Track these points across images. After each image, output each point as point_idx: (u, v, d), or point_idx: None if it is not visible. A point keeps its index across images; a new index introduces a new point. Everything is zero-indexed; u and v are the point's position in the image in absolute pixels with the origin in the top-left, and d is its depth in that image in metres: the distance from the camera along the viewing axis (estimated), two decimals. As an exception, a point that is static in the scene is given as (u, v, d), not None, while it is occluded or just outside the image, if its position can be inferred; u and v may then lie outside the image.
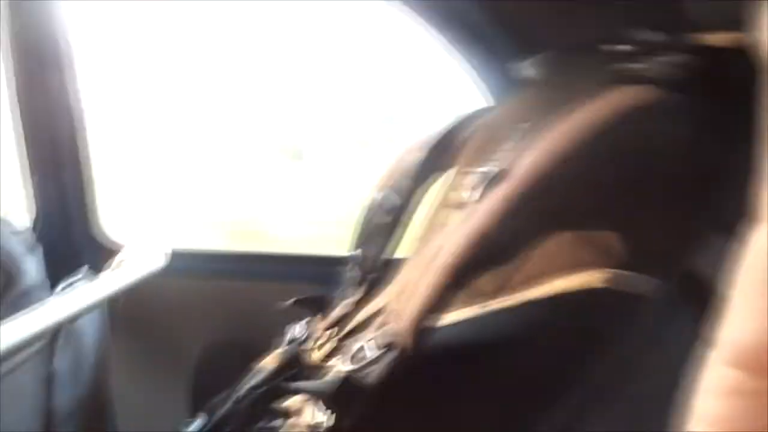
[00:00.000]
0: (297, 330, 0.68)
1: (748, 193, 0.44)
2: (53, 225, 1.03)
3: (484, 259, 0.39)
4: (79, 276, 0.86)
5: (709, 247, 0.40)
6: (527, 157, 0.40)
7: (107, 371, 0.93)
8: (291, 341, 0.67)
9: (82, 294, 0.79)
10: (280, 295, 0.73)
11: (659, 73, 0.40)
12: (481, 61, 0.75)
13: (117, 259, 0.92)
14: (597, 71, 0.44)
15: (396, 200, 0.61)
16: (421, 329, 0.40)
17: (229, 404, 0.65)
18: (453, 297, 0.40)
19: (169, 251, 0.93)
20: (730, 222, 0.40)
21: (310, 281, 0.79)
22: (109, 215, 1.08)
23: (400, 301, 0.43)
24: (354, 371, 0.43)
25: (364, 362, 0.43)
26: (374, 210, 0.64)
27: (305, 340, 0.65)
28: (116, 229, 1.07)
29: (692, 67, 0.41)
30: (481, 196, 0.42)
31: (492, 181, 0.42)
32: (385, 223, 0.62)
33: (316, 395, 0.44)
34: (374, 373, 0.41)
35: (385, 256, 0.62)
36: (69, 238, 1.04)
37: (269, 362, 0.66)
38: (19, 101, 0.97)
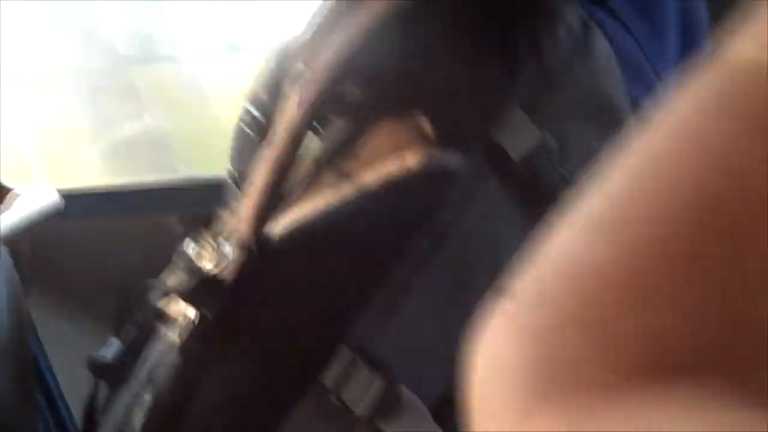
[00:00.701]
0: (189, 247, 0.73)
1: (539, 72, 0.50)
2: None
3: (296, 155, 0.44)
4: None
5: (508, 121, 0.45)
6: (327, 55, 0.44)
7: (22, 313, 0.95)
8: (182, 257, 0.72)
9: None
10: (178, 222, 0.77)
11: None
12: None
13: (7, 200, 0.92)
14: None
15: (256, 114, 0.64)
16: (258, 227, 0.45)
17: (133, 324, 0.70)
18: (280, 193, 0.45)
19: (61, 191, 0.94)
20: (528, 97, 0.45)
21: (211, 203, 0.83)
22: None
23: (245, 204, 0.48)
24: (213, 271, 0.48)
25: (223, 260, 0.48)
26: (241, 126, 0.67)
27: (196, 254, 0.70)
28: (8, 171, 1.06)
29: None
30: (292, 92, 0.46)
31: (303, 81, 0.46)
32: (249, 137, 0.65)
33: (182, 296, 0.49)
34: (228, 269, 0.46)
35: (253, 167, 0.66)
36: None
37: (166, 279, 0.71)
38: None
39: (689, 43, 0.57)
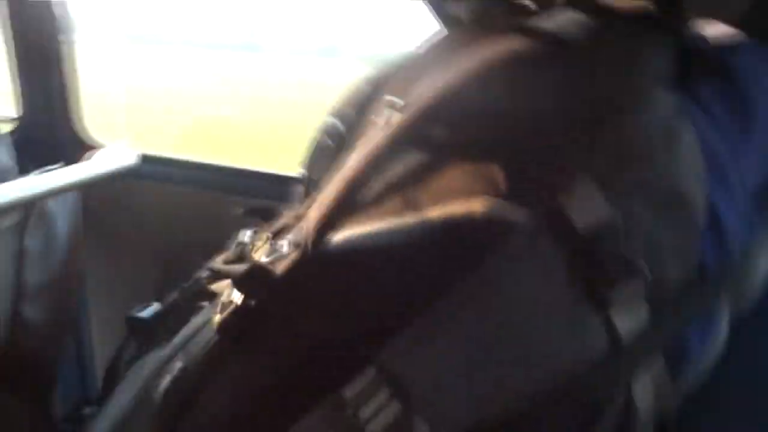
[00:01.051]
0: (245, 235, 0.76)
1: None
2: (37, 122, 1.08)
3: (373, 177, 0.46)
4: (55, 166, 0.93)
5: (578, 190, 0.46)
6: (426, 91, 0.46)
7: (78, 256, 1.01)
8: (238, 244, 0.75)
9: (53, 177, 0.86)
10: (240, 206, 0.80)
11: (553, 28, 0.46)
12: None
13: (92, 154, 0.98)
14: (505, 20, 0.50)
15: (339, 127, 0.67)
16: (321, 233, 0.47)
17: (176, 292, 0.73)
18: (349, 207, 0.47)
19: (140, 153, 1.00)
20: (603, 171, 0.46)
21: (271, 197, 0.86)
22: (94, 115, 1.14)
23: (314, 209, 0.50)
24: (267, 263, 0.50)
25: (277, 256, 0.51)
26: (322, 134, 0.70)
27: (251, 244, 0.73)
28: (99, 129, 1.13)
29: (585, 26, 0.47)
30: (385, 122, 0.48)
31: (396, 109, 0.48)
32: (328, 148, 0.68)
33: (232, 278, 0.51)
34: (281, 265, 0.49)
35: (326, 177, 0.68)
36: (52, 135, 1.10)
37: (218, 260, 0.74)
38: (8, 3, 1.01)
39: None
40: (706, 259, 0.48)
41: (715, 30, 0.53)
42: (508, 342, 0.45)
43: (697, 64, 0.49)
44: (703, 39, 0.52)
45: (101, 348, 1.14)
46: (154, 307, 0.76)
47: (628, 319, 0.46)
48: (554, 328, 0.45)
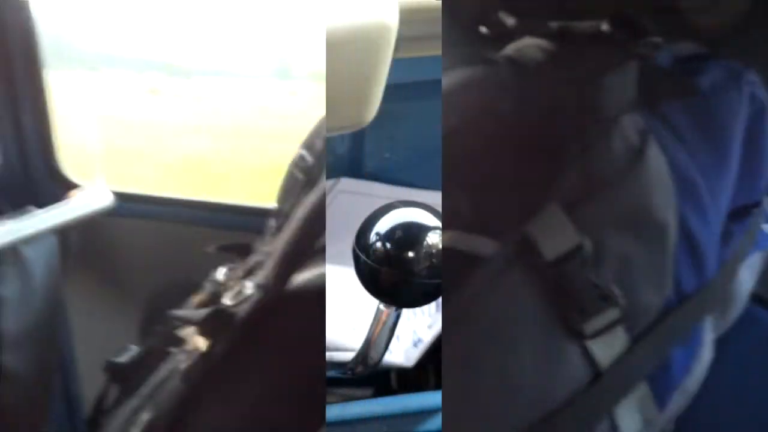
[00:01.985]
0: (221, 273, 0.74)
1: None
2: (12, 163, 1.07)
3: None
4: (30, 208, 0.91)
5: (546, 219, 0.44)
6: None
7: (58, 301, 0.99)
8: (212, 283, 0.73)
9: (28, 221, 0.84)
10: (218, 241, 0.79)
11: (510, 54, 0.45)
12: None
13: (69, 196, 0.97)
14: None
15: (308, 159, 0.66)
16: (282, 274, 0.45)
17: (152, 336, 0.71)
18: (306, 250, 0.45)
19: (116, 192, 0.99)
20: (571, 198, 0.45)
21: (249, 230, 0.84)
22: (70, 154, 1.13)
23: (277, 249, 0.49)
24: (230, 306, 0.48)
25: (240, 298, 0.49)
26: (293, 167, 0.69)
27: (224, 284, 0.71)
28: (76, 168, 1.12)
29: (544, 51, 0.46)
30: None
31: None
32: (299, 180, 0.67)
33: (194, 324, 0.50)
34: (244, 308, 0.47)
35: (296, 210, 0.67)
36: (28, 176, 1.09)
37: (194, 301, 0.73)
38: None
39: (752, 167, 0.55)
40: (683, 282, 0.47)
41: (679, 48, 0.52)
42: (483, 380, 0.43)
43: (662, 84, 0.48)
44: (667, 58, 0.51)
45: (91, 395, 1.11)
46: (133, 351, 0.75)
47: (606, 347, 0.44)
48: (529, 363, 0.43)
